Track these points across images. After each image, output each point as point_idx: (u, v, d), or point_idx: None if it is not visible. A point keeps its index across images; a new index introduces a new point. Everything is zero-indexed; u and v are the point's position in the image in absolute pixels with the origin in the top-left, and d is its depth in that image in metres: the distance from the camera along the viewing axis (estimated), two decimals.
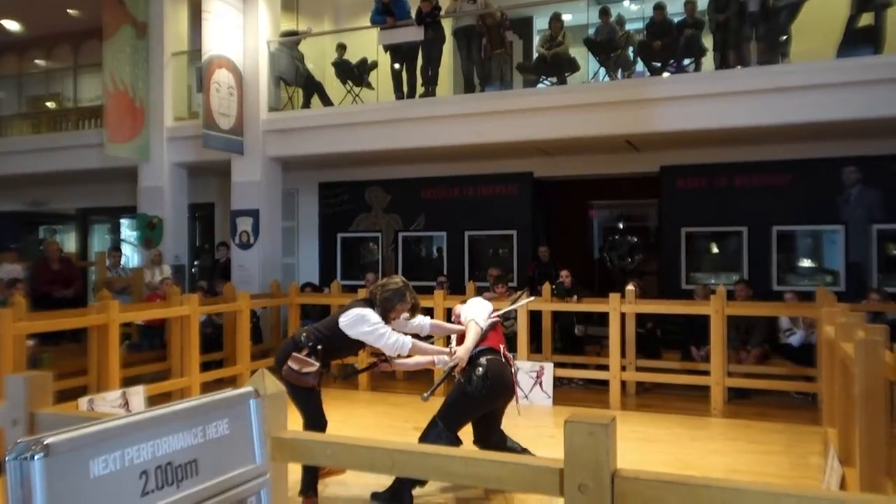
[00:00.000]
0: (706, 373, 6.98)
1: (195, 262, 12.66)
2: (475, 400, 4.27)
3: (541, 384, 7.18)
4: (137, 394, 5.91)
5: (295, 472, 4.48)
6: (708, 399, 6.83)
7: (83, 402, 5.41)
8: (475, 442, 4.57)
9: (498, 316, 4.72)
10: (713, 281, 9.33)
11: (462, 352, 4.31)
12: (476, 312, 4.54)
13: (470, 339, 4.37)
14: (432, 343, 4.70)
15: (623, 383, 7.34)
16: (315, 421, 4.23)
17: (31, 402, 2.21)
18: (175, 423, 1.57)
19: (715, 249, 10.03)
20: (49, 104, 13.93)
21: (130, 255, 12.51)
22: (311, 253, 11.87)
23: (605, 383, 7.25)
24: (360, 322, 4.16)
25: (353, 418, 6.48)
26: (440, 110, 9.13)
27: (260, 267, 9.94)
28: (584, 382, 7.93)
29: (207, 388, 6.86)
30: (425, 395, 4.27)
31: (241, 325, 7.70)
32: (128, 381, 6.37)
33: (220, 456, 1.68)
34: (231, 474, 1.70)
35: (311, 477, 4.14)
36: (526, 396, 7.15)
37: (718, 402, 6.76)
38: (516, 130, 8.77)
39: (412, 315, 4.41)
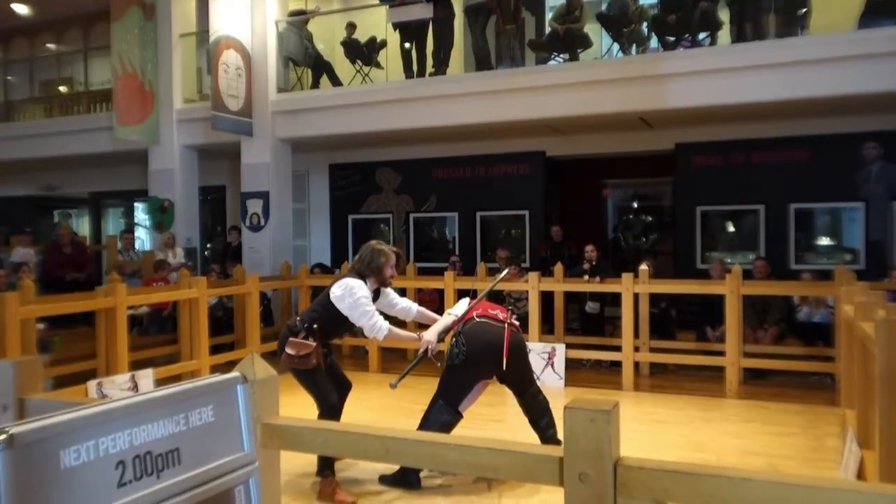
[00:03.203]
0: (721, 353, 6.88)
1: (207, 245, 12.66)
2: (461, 368, 4.31)
3: (552, 365, 7.10)
4: (146, 377, 5.90)
5: (297, 458, 4.45)
6: (723, 380, 6.72)
7: (92, 386, 5.41)
8: (515, 395, 4.60)
9: (481, 297, 4.68)
10: (729, 260, 9.18)
11: (428, 334, 4.36)
12: (454, 309, 4.60)
13: (438, 324, 4.44)
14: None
15: (637, 364, 7.25)
16: (325, 402, 4.19)
17: (20, 388, 2.16)
18: (154, 410, 1.50)
19: (731, 228, 9.87)
20: (61, 88, 13.92)
21: (144, 239, 12.53)
22: (323, 235, 11.83)
23: (620, 364, 7.15)
24: (348, 294, 4.16)
25: (363, 400, 6.42)
26: (450, 89, 9.00)
27: (271, 249, 9.91)
28: (607, 363, 7.79)
29: (218, 370, 6.84)
30: (393, 382, 4.29)
31: (251, 308, 7.68)
32: (138, 365, 6.37)
33: (204, 444, 1.61)
34: (216, 463, 1.63)
35: (328, 457, 4.11)
36: (538, 377, 7.08)
37: (733, 383, 6.65)
38: (528, 108, 8.63)
39: (398, 263, 4.40)
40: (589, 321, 8.30)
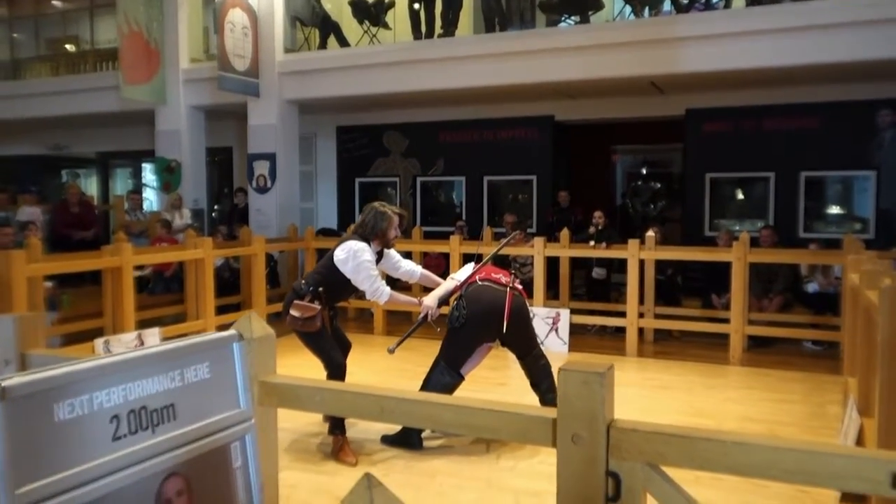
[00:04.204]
0: (726, 321, 6.87)
1: (215, 207, 12.66)
2: (462, 331, 4.32)
3: (557, 330, 7.12)
4: (153, 335, 5.94)
5: (304, 416, 4.50)
6: (727, 347, 6.73)
7: (99, 343, 5.45)
8: (517, 358, 4.63)
9: (485, 262, 4.68)
10: (737, 228, 9.13)
11: (428, 300, 4.41)
12: (458, 274, 4.63)
13: (440, 289, 4.48)
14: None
15: (641, 330, 7.26)
16: (331, 363, 4.23)
17: (22, 343, 2.18)
18: (148, 366, 1.50)
19: (740, 196, 9.79)
20: (67, 46, 13.81)
21: (152, 199, 12.55)
22: (330, 198, 11.81)
23: (624, 330, 7.16)
24: (351, 258, 4.19)
25: (368, 363, 6.48)
26: (459, 51, 8.88)
27: (277, 211, 9.90)
28: (611, 329, 7.79)
29: (224, 330, 6.90)
30: (391, 347, 4.33)
31: (257, 269, 7.70)
32: (145, 324, 6.42)
33: (200, 400, 1.62)
34: (212, 419, 1.64)
35: (337, 417, 4.16)
36: (542, 342, 7.10)
37: (737, 351, 6.66)
38: (537, 72, 8.51)
39: (401, 224, 4.40)
40: (595, 287, 8.30)
